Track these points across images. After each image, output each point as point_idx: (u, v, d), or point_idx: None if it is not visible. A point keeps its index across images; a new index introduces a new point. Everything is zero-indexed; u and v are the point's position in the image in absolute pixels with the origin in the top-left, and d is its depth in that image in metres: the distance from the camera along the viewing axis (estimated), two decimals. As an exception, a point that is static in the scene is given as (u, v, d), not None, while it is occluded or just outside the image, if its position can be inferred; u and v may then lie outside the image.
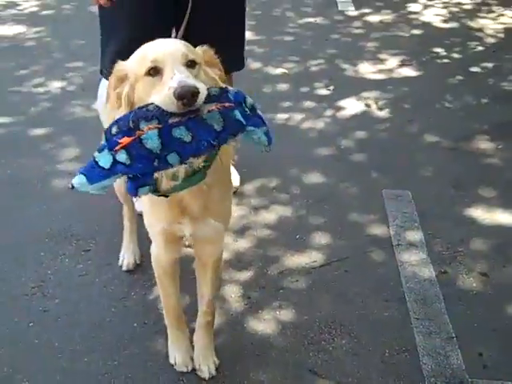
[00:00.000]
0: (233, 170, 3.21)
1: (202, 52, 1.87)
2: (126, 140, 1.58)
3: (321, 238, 2.95)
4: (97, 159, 1.62)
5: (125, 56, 2.29)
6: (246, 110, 1.71)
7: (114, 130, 1.61)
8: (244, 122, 1.67)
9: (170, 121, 1.60)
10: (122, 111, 1.77)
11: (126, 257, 2.78)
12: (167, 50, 1.77)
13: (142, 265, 2.75)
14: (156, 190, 1.79)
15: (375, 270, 2.77)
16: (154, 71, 1.73)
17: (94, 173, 1.63)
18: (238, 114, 1.66)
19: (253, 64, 4.61)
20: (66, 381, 2.23)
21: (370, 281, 2.71)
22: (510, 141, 3.75)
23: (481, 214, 3.13)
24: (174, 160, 1.60)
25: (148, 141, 1.58)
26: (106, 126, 2.82)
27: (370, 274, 2.75)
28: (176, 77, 1.67)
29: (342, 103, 4.18)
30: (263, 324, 2.48)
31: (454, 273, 2.75)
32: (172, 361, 2.32)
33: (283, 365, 2.29)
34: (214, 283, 2.24)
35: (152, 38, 1.95)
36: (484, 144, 3.74)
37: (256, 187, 3.31)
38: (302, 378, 2.25)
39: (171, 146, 1.59)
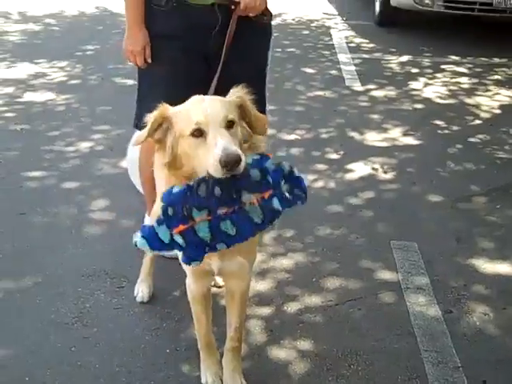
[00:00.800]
0: None
1: (238, 99, 2.14)
2: (181, 227, 1.91)
3: (335, 281, 3.20)
4: (156, 231, 1.95)
5: None
6: (284, 191, 1.97)
7: (170, 212, 1.92)
8: (281, 209, 1.95)
9: (219, 211, 1.91)
10: (166, 159, 2.08)
11: (141, 290, 3.03)
12: (210, 113, 2.01)
13: (173, 300, 3.00)
14: None
15: (386, 309, 3.02)
16: (198, 133, 2.00)
17: (155, 243, 1.97)
18: (275, 203, 1.94)
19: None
20: (108, 396, 2.45)
21: (382, 318, 2.95)
22: (507, 201, 4.05)
23: (481, 263, 3.39)
24: (222, 247, 1.97)
25: (200, 231, 1.91)
26: (133, 179, 3.17)
27: (381, 313, 2.99)
28: (220, 143, 1.93)
29: (350, 166, 4.49)
30: (285, 352, 2.71)
31: (458, 313, 3.00)
32: (203, 381, 2.54)
33: (306, 387, 2.52)
34: (240, 313, 2.48)
35: (186, 96, 2.27)
36: (483, 204, 4.03)
37: (273, 237, 3.57)
38: (322, 399, 2.48)
39: (219, 237, 1.94)
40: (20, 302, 2.98)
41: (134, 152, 3.87)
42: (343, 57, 7.41)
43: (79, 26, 8.69)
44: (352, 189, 4.19)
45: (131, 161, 3.92)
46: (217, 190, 1.93)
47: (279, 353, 2.71)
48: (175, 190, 1.97)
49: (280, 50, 7.35)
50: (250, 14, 2.98)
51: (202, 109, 2.04)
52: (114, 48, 7.45)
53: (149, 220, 3.39)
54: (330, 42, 8.14)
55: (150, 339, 2.77)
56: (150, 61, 2.94)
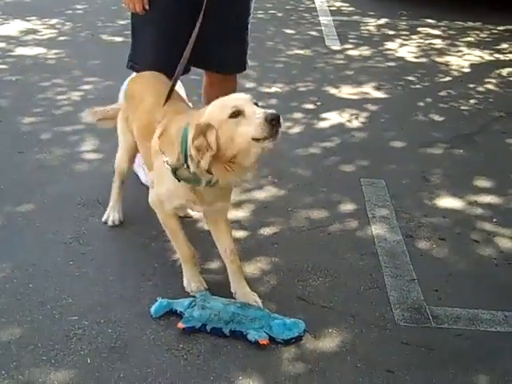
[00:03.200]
0: None
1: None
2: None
3: (307, 211, 3.52)
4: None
5: (153, 52, 3.04)
6: None
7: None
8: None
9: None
10: (208, 157, 2.36)
11: (111, 214, 3.32)
12: (239, 97, 2.42)
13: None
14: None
15: (353, 234, 3.35)
16: (236, 113, 2.32)
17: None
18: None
19: (248, 84, 5.25)
20: (102, 299, 2.76)
21: (349, 241, 3.28)
22: (468, 148, 4.40)
23: (441, 198, 3.73)
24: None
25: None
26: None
27: (349, 237, 3.32)
28: (258, 109, 2.31)
29: (325, 115, 4.81)
30: (260, 267, 3.02)
31: (417, 237, 3.34)
32: (188, 289, 2.82)
33: (278, 294, 2.85)
34: (230, 235, 2.82)
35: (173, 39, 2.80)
36: (446, 149, 4.38)
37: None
38: (292, 303, 2.80)
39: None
40: (21, 225, 3.27)
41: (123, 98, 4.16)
42: (324, 19, 7.70)
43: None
44: (326, 134, 4.51)
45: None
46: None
47: (255, 267, 3.02)
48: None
49: (263, 12, 7.62)
50: None
51: (234, 97, 2.43)
52: (102, 8, 7.70)
53: (139, 157, 3.69)
54: (312, 6, 8.42)
55: (141, 255, 3.08)
56: (147, 7, 3.21)
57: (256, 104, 2.39)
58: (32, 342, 2.50)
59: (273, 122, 2.25)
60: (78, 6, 7.77)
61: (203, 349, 2.51)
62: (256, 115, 2.28)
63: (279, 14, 7.89)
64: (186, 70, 3.50)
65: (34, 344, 2.49)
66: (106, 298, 2.77)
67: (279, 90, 5.30)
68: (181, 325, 2.58)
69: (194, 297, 2.70)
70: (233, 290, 2.80)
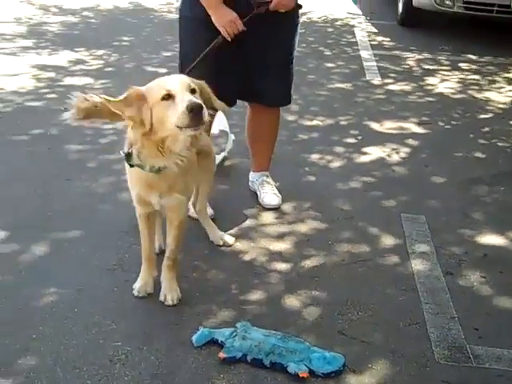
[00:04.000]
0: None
1: (199, 83, 2.62)
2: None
3: (348, 245, 3.54)
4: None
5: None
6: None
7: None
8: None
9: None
10: (145, 129, 2.51)
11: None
12: (176, 81, 2.51)
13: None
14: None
15: (393, 269, 3.36)
16: (168, 96, 2.45)
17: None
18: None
19: (289, 117, 5.32)
20: (144, 326, 2.82)
21: (388, 276, 3.29)
22: (507, 184, 4.40)
23: (482, 235, 3.71)
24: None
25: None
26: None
27: (389, 272, 3.33)
28: (186, 98, 2.42)
29: (366, 150, 4.84)
30: (300, 300, 3.03)
31: (458, 274, 3.33)
32: (134, 286, 3.03)
33: (317, 328, 2.87)
34: (175, 238, 2.96)
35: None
36: (487, 186, 4.37)
37: (293, 206, 3.92)
38: (332, 337, 2.82)
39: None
40: (67, 251, 3.35)
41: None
42: (365, 53, 7.77)
43: (114, 18, 9.13)
44: (367, 169, 4.53)
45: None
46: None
47: (295, 300, 3.05)
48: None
49: (304, 45, 7.71)
50: (281, 11, 3.38)
51: (169, 79, 2.54)
52: (147, 40, 7.90)
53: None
54: (353, 40, 8.50)
55: (182, 284, 3.11)
56: (240, 28, 3.30)
57: (193, 90, 2.50)
58: (77, 365, 2.56)
59: (192, 113, 2.38)
60: (125, 38, 7.97)
61: (243, 379, 2.54)
62: (181, 103, 2.41)
63: (320, 48, 7.98)
64: (233, 103, 3.60)
65: (79, 368, 2.55)
66: (148, 325, 2.83)
67: (320, 124, 5.36)
68: (222, 354, 2.62)
69: (235, 327, 2.74)
70: (161, 281, 3.01)
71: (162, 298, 2.98)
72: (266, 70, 3.55)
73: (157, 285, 3.04)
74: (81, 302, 2.96)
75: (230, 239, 3.46)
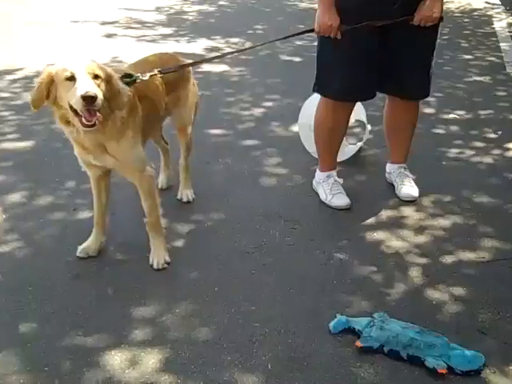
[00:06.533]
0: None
1: (107, 71, 2.77)
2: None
3: (488, 242, 3.42)
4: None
5: (342, 79, 3.33)
6: None
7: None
8: None
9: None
10: (50, 101, 2.74)
11: None
12: (81, 65, 2.68)
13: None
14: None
15: (537, 270, 3.24)
16: (70, 78, 2.64)
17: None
18: None
19: (427, 109, 5.21)
20: (282, 310, 2.86)
21: (532, 277, 3.18)
22: None
23: None
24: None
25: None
26: (304, 142, 3.81)
27: (532, 272, 3.22)
28: (83, 84, 2.60)
29: (508, 145, 4.66)
30: (439, 294, 2.98)
31: None
32: (78, 248, 3.19)
33: (456, 325, 2.81)
34: (144, 199, 3.10)
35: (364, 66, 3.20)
36: None
37: (431, 200, 3.85)
38: (471, 335, 2.75)
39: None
40: (207, 233, 3.47)
41: (305, 117, 4.31)
42: (505, 45, 7.47)
43: (248, 7, 9.29)
44: (509, 165, 4.37)
45: (302, 125, 4.36)
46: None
47: (434, 295, 2.99)
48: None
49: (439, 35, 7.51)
50: (427, 25, 3.33)
51: (76, 61, 2.72)
52: (280, 28, 7.96)
53: (319, 174, 3.81)
54: (491, 31, 8.19)
55: (320, 271, 3.15)
56: (339, 37, 3.31)
57: (96, 76, 2.67)
58: (218, 342, 2.65)
59: (85, 101, 2.56)
60: (258, 26, 8.11)
61: (380, 370, 2.53)
62: (78, 89, 2.58)
63: (456, 40, 7.76)
64: (372, 95, 3.59)
65: (220, 344, 2.63)
66: (286, 308, 2.87)
67: (458, 117, 5.22)
68: (359, 343, 2.62)
69: (372, 317, 2.74)
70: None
71: (150, 261, 3.14)
72: (409, 62, 3.50)
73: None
74: (220, 282, 3.05)
75: (188, 197, 3.74)
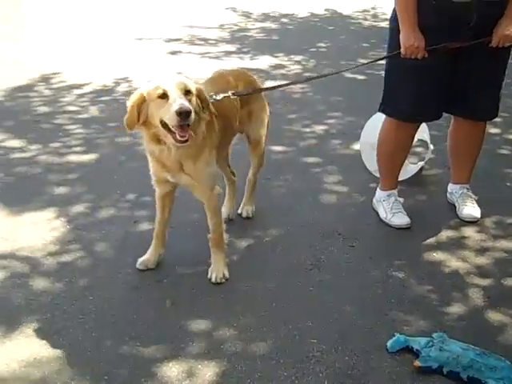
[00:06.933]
0: None
1: (198, 87, 2.87)
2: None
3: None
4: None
5: (410, 100, 3.28)
6: None
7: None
8: None
9: None
10: (140, 122, 2.80)
11: None
12: (172, 82, 2.75)
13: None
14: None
15: None
16: (163, 96, 2.71)
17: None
18: None
19: (493, 129, 5.11)
20: (340, 327, 2.85)
21: None
22: None
23: None
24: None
25: None
26: (365, 160, 3.81)
27: None
28: (178, 101, 2.67)
29: None
30: (500, 316, 2.92)
31: None
32: (138, 260, 3.24)
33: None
34: (210, 217, 3.16)
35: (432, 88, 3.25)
36: None
37: (493, 221, 3.78)
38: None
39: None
40: (267, 248, 3.50)
41: (367, 136, 4.30)
42: None
43: (311, 25, 9.35)
44: None
45: (365, 143, 4.35)
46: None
47: (495, 317, 2.93)
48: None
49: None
50: (505, 45, 3.29)
51: (167, 80, 2.79)
52: (344, 46, 7.99)
53: (380, 193, 3.79)
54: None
55: (378, 290, 3.13)
56: (426, 55, 3.28)
57: (188, 92, 2.74)
58: (274, 357, 2.66)
59: (180, 116, 2.63)
60: (321, 44, 8.14)
61: (439, 391, 2.50)
62: (174, 105, 2.65)
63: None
64: (439, 116, 3.57)
65: (276, 360, 2.64)
66: (343, 326, 2.87)
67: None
68: (417, 363, 2.59)
69: (431, 337, 2.70)
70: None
71: (209, 275, 3.17)
72: (480, 83, 3.45)
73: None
74: (278, 297, 3.06)
75: (248, 213, 3.77)
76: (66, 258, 3.35)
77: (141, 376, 2.54)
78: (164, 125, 2.75)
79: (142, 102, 2.78)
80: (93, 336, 2.76)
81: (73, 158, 4.61)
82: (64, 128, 5.19)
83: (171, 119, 2.68)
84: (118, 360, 2.63)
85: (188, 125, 2.71)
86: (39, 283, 3.11)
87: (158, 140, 2.86)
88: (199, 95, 2.86)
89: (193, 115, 2.69)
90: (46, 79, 6.52)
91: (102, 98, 5.95)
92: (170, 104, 2.69)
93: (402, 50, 3.30)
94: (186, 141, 2.74)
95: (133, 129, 2.88)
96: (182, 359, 2.63)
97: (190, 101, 2.73)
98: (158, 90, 2.73)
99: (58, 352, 2.65)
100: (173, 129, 2.73)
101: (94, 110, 5.63)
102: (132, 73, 6.68)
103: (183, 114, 2.64)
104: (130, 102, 2.82)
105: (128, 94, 5.80)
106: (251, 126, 3.53)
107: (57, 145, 4.83)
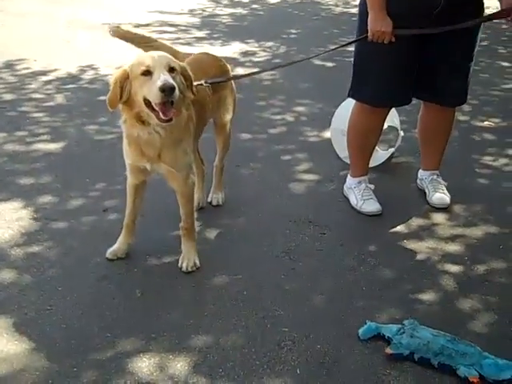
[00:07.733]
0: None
1: (182, 66, 2.81)
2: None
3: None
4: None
5: (380, 83, 3.14)
6: None
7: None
8: None
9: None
10: (123, 100, 2.72)
11: None
12: (157, 59, 2.69)
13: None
14: None
15: None
16: (147, 73, 2.65)
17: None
18: None
19: (461, 117, 5.15)
20: (310, 315, 2.84)
21: None
22: None
23: None
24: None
25: None
26: (336, 147, 3.76)
27: None
28: (161, 77, 2.60)
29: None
30: (470, 303, 2.94)
31: None
32: (108, 250, 3.20)
33: (488, 333, 2.76)
34: (183, 206, 3.11)
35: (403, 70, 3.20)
36: None
37: (463, 208, 3.81)
38: (503, 344, 2.69)
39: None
40: (236, 237, 3.47)
41: (337, 122, 4.30)
42: (542, 51, 7.37)
43: (282, 11, 9.30)
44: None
45: (335, 130, 4.35)
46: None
47: (465, 303, 2.95)
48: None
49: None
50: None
51: (151, 56, 2.72)
52: (314, 33, 7.97)
53: (351, 180, 3.79)
54: (530, 37, 8.09)
55: (349, 277, 3.13)
56: (394, 40, 3.26)
57: (172, 69, 2.68)
58: (246, 346, 2.64)
59: (164, 93, 2.57)
60: (292, 31, 8.11)
61: (410, 377, 2.50)
62: (157, 82, 2.58)
63: (494, 46, 7.66)
64: (408, 101, 3.57)
65: (248, 349, 2.62)
66: (315, 314, 2.86)
67: (493, 125, 5.15)
68: (389, 350, 2.60)
69: (402, 324, 2.71)
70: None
71: (179, 264, 3.14)
72: (448, 68, 3.46)
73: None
74: (249, 286, 3.04)
75: (218, 201, 3.74)
76: (33, 248, 3.28)
77: (111, 368, 2.50)
78: (147, 103, 2.68)
79: (125, 78, 2.71)
80: (61, 327, 2.71)
81: (39, 146, 4.52)
82: (30, 116, 5.09)
83: (155, 96, 2.61)
84: (87, 352, 2.58)
85: (172, 103, 2.65)
86: (6, 275, 3.05)
87: (141, 121, 2.78)
88: (183, 73, 2.81)
89: (177, 92, 2.63)
90: (10, 65, 6.39)
91: (68, 86, 5.85)
92: (153, 81, 2.62)
93: (369, 34, 3.29)
94: (170, 119, 2.68)
95: (115, 107, 2.79)
96: (152, 350, 2.60)
97: (173, 78, 2.66)
98: (142, 66, 2.66)
99: (25, 344, 2.60)
100: (156, 108, 2.66)
101: (60, 98, 5.53)
102: (98, 60, 6.58)
103: (167, 91, 2.58)
104: (113, 79, 2.74)
105: (94, 81, 5.78)
106: (220, 111, 3.49)
107: (23, 133, 4.73)
